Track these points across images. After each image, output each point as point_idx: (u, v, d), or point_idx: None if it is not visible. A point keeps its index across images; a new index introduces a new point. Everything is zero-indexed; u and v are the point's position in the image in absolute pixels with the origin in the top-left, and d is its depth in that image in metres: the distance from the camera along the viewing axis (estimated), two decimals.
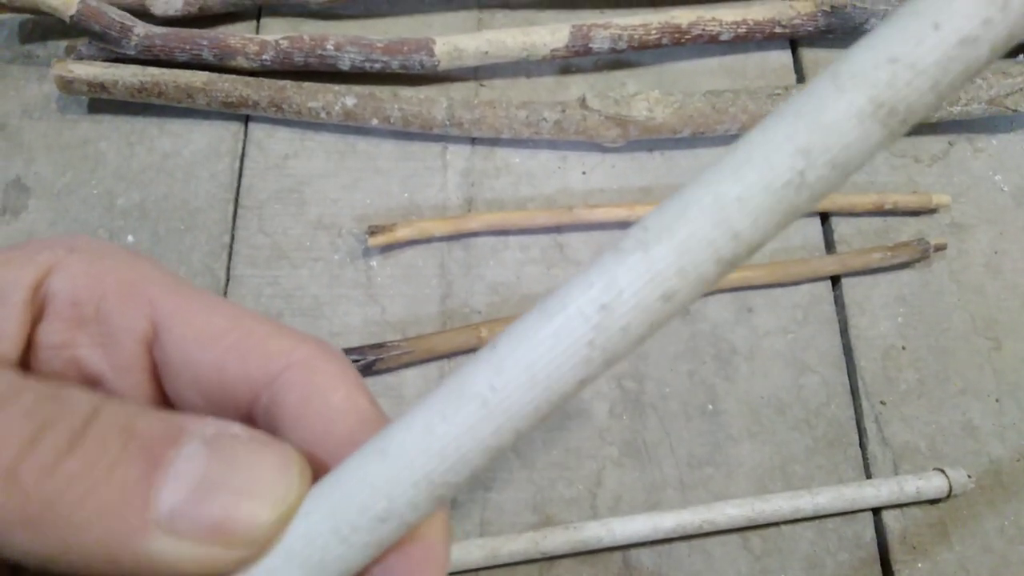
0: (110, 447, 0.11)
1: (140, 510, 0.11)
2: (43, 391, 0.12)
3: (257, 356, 0.14)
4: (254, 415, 0.15)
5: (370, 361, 0.40)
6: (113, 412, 0.12)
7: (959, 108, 0.46)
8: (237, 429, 0.12)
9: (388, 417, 0.14)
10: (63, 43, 0.48)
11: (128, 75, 0.45)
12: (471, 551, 0.37)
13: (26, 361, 0.14)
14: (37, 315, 0.14)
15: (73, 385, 0.12)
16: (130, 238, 0.44)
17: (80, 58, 0.46)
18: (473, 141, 0.47)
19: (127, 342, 0.15)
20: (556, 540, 0.37)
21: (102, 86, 0.45)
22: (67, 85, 0.45)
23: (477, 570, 0.38)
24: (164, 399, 0.15)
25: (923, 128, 0.49)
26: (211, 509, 0.11)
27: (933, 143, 0.49)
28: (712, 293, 0.44)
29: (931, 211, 0.47)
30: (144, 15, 0.48)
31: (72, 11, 0.44)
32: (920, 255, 0.44)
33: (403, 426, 0.13)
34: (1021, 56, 0.50)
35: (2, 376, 0.12)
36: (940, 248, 0.45)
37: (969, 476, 0.40)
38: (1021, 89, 0.46)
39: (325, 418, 0.14)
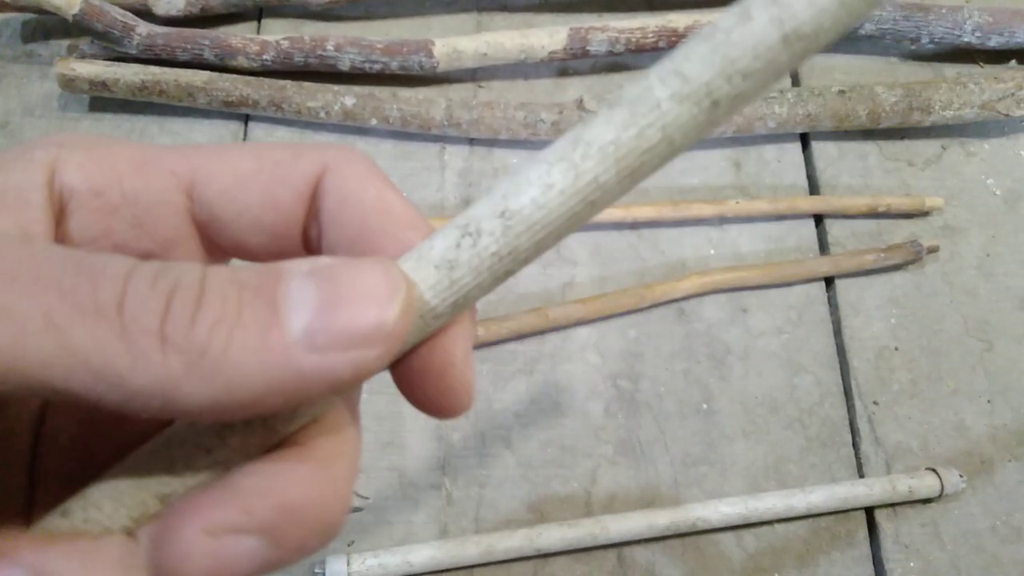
0: (229, 298, 0.12)
1: (279, 340, 0.12)
2: (157, 265, 0.12)
3: (294, 178, 0.15)
4: (309, 236, 0.16)
5: None
6: (216, 271, 0.12)
7: (952, 112, 0.47)
8: (327, 260, 0.13)
9: (415, 208, 0.16)
10: (65, 42, 0.48)
11: (130, 74, 0.45)
12: (466, 548, 0.37)
13: None
14: (60, 214, 0.14)
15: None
16: None
17: (82, 57, 0.47)
18: (471, 142, 0.48)
19: (166, 215, 0.15)
20: (551, 537, 0.38)
21: (104, 84, 0.45)
22: (69, 83, 0.45)
23: (472, 567, 0.38)
24: (215, 260, 0.16)
25: (917, 132, 0.49)
26: (340, 319, 0.12)
27: (926, 147, 0.49)
28: (707, 293, 0.44)
29: (924, 214, 0.47)
30: (146, 15, 0.48)
31: (75, 10, 0.44)
32: (913, 257, 0.45)
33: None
34: (1013, 62, 0.50)
35: (116, 258, 0.12)
36: (933, 250, 0.45)
37: (961, 476, 0.40)
38: (1013, 94, 0.46)
39: (361, 217, 0.15)
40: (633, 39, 0.48)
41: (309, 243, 0.16)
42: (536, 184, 0.14)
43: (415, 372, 0.15)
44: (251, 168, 0.15)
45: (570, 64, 0.51)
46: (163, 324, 0.11)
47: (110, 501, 0.13)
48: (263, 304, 0.12)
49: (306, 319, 0.12)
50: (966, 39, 0.49)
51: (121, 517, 0.13)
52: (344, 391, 0.13)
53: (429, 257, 0.14)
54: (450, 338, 0.15)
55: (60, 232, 0.14)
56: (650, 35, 0.48)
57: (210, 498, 0.12)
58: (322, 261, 0.13)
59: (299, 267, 0.13)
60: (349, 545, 0.38)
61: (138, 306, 0.11)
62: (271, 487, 0.13)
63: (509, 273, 0.14)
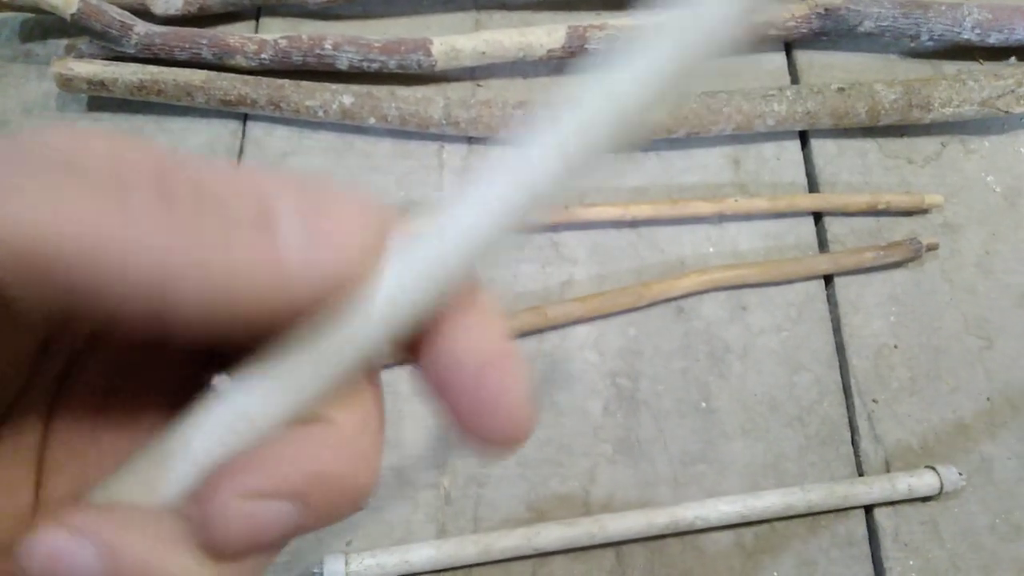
0: (233, 210, 0.12)
1: (272, 256, 0.12)
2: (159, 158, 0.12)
3: None
4: None
5: None
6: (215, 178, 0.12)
7: (951, 110, 0.46)
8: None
9: None
10: (63, 42, 0.48)
11: (128, 73, 0.45)
12: (465, 547, 0.37)
13: None
14: None
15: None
16: None
17: (80, 56, 0.47)
18: (470, 140, 0.48)
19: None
20: (549, 536, 0.37)
21: (102, 84, 0.45)
22: (67, 83, 0.45)
23: (471, 566, 0.38)
24: None
25: (916, 129, 0.49)
26: (321, 244, 0.12)
27: (926, 144, 0.49)
28: (706, 291, 0.44)
29: (924, 211, 0.47)
30: (144, 14, 0.48)
31: (73, 10, 0.44)
32: (912, 255, 0.45)
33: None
34: (1012, 59, 0.50)
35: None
36: (932, 248, 0.45)
37: (960, 474, 0.40)
38: (1012, 91, 0.46)
39: None
40: (632, 37, 0.47)
41: None
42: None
43: (448, 374, 0.14)
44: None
45: (569, 62, 0.50)
46: (168, 212, 0.11)
47: (152, 474, 0.13)
48: (253, 196, 0.12)
49: (294, 241, 0.12)
50: (966, 36, 0.49)
51: (164, 490, 0.13)
52: (329, 296, 0.13)
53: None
54: (477, 326, 0.14)
55: None
56: None
57: (245, 465, 0.13)
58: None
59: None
60: (347, 545, 0.38)
61: (139, 191, 0.11)
62: (302, 455, 0.13)
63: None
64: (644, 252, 0.46)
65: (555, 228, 0.46)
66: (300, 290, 0.12)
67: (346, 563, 0.36)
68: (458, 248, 0.14)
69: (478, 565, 0.38)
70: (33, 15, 0.48)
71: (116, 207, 0.11)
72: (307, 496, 0.13)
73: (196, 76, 0.46)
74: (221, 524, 0.12)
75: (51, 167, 0.11)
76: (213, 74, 0.46)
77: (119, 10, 0.46)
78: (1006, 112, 0.47)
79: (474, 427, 0.14)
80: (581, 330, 0.43)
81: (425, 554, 0.37)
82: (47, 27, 0.49)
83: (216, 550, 0.12)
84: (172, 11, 0.48)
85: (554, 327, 0.43)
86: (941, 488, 0.40)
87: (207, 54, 0.47)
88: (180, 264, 0.11)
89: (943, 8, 0.49)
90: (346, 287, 0.13)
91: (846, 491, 0.39)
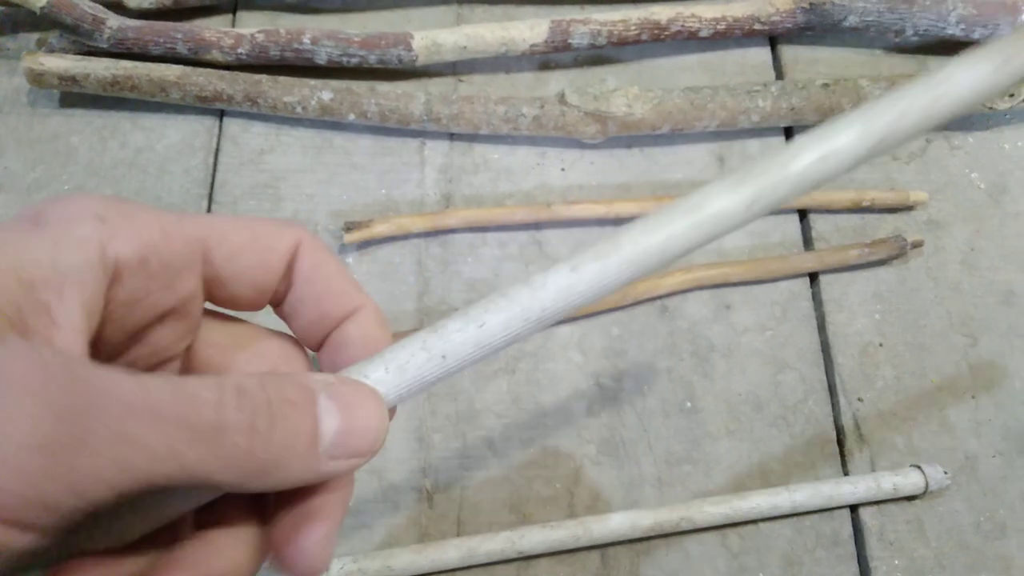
0: (289, 419, 0.16)
1: (315, 454, 0.17)
2: (235, 387, 0.16)
3: (279, 248, 0.20)
4: (278, 291, 0.20)
5: None
6: (274, 388, 0.17)
7: None
8: (333, 379, 0.18)
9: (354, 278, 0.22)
10: (34, 36, 0.47)
11: (100, 68, 0.44)
12: (447, 551, 0.37)
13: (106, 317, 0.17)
14: (111, 284, 0.17)
15: (233, 376, 0.17)
16: None
17: (51, 51, 0.46)
18: (451, 136, 0.47)
19: (189, 276, 0.19)
20: (533, 539, 0.37)
21: (74, 79, 0.44)
22: (38, 78, 0.44)
23: (454, 570, 0.37)
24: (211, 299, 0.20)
25: None
26: (350, 443, 0.17)
27: (911, 141, 0.49)
28: (691, 290, 0.44)
29: (908, 208, 0.47)
30: (118, 7, 0.47)
31: (43, 3, 0.43)
32: (897, 252, 0.44)
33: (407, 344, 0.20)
34: None
35: (205, 383, 0.16)
36: (917, 245, 0.45)
37: (945, 472, 0.40)
38: None
39: (324, 280, 0.20)
40: (615, 32, 0.47)
41: (277, 295, 0.20)
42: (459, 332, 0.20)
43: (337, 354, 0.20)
44: (247, 237, 0.19)
45: (552, 57, 0.50)
46: (250, 443, 0.16)
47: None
48: (310, 422, 0.17)
49: (330, 440, 0.17)
50: (950, 31, 0.49)
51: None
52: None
53: (394, 365, 0.19)
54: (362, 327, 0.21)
55: (110, 297, 0.17)
56: (632, 27, 0.47)
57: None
58: (330, 379, 0.18)
59: (320, 384, 0.17)
60: None
61: (232, 427, 0.15)
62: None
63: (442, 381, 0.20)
64: None
65: (538, 226, 0.45)
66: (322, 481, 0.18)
67: (328, 568, 0.35)
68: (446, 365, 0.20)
69: (461, 569, 0.37)
70: (2, 8, 0.47)
71: (213, 456, 0.15)
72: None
73: (171, 71, 0.44)
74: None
75: (155, 415, 0.15)
76: (188, 69, 0.45)
77: (91, 3, 0.45)
78: (990, 108, 0.47)
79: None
80: (564, 330, 0.43)
81: (407, 559, 0.36)
82: (17, 21, 0.48)
83: None
84: (146, 4, 0.47)
85: None
86: (926, 487, 0.39)
87: (182, 48, 0.46)
88: (254, 479, 0.16)
89: (927, 3, 0.48)
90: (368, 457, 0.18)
91: (831, 491, 0.39)
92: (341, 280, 0.21)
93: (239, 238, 0.19)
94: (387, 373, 0.19)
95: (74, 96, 0.46)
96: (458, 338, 0.19)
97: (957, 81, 0.21)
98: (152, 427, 0.14)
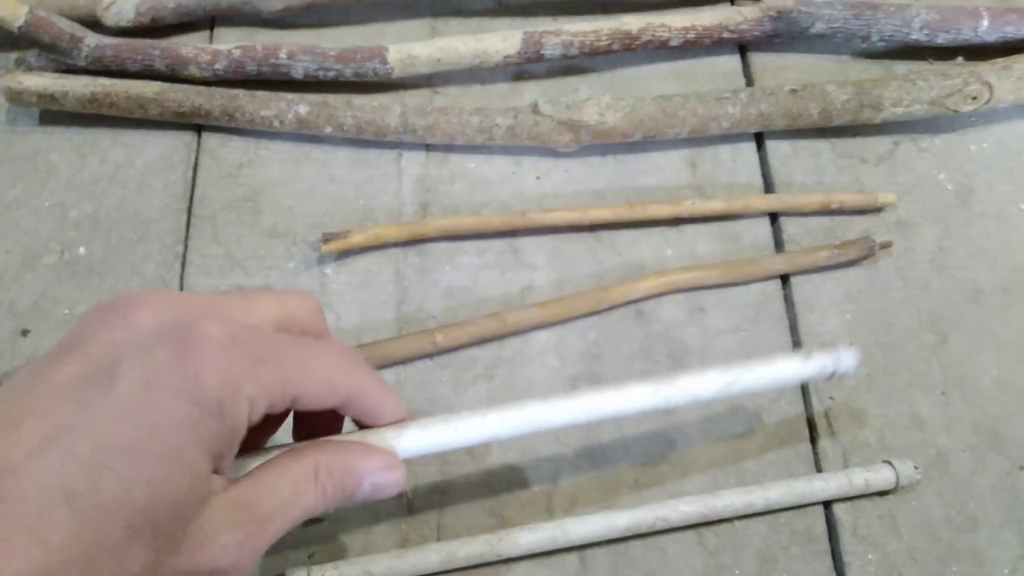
0: (347, 480, 0.27)
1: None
2: (324, 469, 0.26)
3: (339, 391, 0.27)
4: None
5: None
6: (341, 467, 0.27)
7: (902, 109, 0.47)
8: (370, 453, 0.28)
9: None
10: (12, 55, 0.48)
11: (79, 86, 0.45)
12: (427, 556, 0.37)
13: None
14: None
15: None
16: (82, 250, 0.44)
17: (30, 69, 0.46)
18: (428, 147, 0.48)
19: (282, 408, 0.26)
20: (512, 542, 0.38)
21: (52, 97, 0.45)
22: (16, 97, 0.45)
23: (435, 574, 0.38)
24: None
25: (869, 129, 0.50)
26: (383, 492, 0.28)
27: (879, 143, 0.50)
28: (665, 294, 0.45)
29: (877, 210, 0.48)
30: (95, 25, 0.47)
31: (20, 22, 0.44)
32: (866, 253, 0.45)
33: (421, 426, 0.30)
34: (960, 58, 0.51)
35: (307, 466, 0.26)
36: (886, 246, 0.46)
37: (916, 467, 0.41)
38: (960, 90, 0.47)
39: (366, 402, 0.28)
40: (587, 42, 0.48)
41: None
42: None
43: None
44: (326, 384, 0.26)
45: (526, 68, 0.51)
46: (327, 500, 0.26)
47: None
48: (357, 488, 0.27)
49: (368, 492, 0.28)
50: (915, 36, 0.50)
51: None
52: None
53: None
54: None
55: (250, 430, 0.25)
56: (604, 38, 0.48)
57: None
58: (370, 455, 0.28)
59: (381, 457, 0.28)
60: (309, 557, 0.38)
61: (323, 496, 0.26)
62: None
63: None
64: (603, 256, 0.46)
65: (515, 234, 0.46)
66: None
67: (308, 575, 0.36)
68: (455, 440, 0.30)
69: (442, 573, 0.38)
70: None
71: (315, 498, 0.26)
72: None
73: (149, 88, 0.45)
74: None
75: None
76: (166, 86, 0.45)
77: (69, 22, 0.46)
78: (955, 111, 0.48)
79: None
80: (542, 335, 0.44)
81: (387, 564, 0.37)
82: None
83: None
84: (124, 22, 0.48)
85: (515, 333, 0.43)
86: (897, 482, 0.40)
87: (160, 65, 0.46)
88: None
89: (892, 9, 0.49)
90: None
91: (804, 488, 0.40)
92: (379, 401, 0.28)
93: (319, 389, 0.26)
94: (403, 441, 0.29)
95: (53, 114, 0.47)
96: (438, 430, 0.29)
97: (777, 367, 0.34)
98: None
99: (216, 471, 0.23)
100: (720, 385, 0.34)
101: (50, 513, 0.19)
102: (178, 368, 0.22)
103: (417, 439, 0.29)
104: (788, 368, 0.34)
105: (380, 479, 0.27)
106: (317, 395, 0.26)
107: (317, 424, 0.29)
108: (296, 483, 0.25)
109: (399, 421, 0.29)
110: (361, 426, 0.29)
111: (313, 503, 0.25)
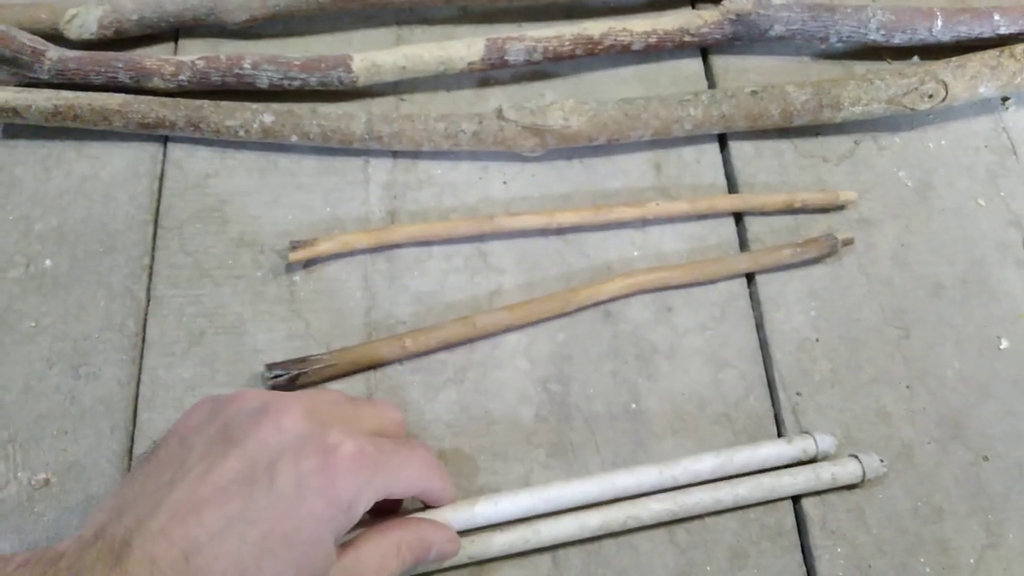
0: (424, 549, 0.34)
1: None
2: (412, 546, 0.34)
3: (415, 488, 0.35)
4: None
5: (293, 375, 0.40)
6: (414, 542, 0.34)
7: (860, 108, 0.48)
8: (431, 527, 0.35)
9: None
10: None
11: (42, 99, 0.45)
12: None
13: None
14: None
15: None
16: (48, 263, 0.44)
17: None
18: (395, 154, 0.48)
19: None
20: (485, 543, 0.38)
21: (15, 111, 0.45)
22: None
23: None
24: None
25: (830, 128, 0.51)
26: (448, 550, 0.36)
27: (839, 143, 0.51)
28: (633, 294, 0.45)
29: (839, 208, 0.48)
30: (58, 39, 0.47)
31: None
32: (829, 250, 0.46)
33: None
34: (915, 58, 0.52)
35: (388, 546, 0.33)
36: (848, 243, 0.47)
37: (881, 460, 0.41)
38: (916, 89, 0.48)
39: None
40: (550, 48, 0.48)
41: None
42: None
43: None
44: (414, 484, 0.34)
45: (492, 74, 0.51)
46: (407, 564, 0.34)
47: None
48: (427, 552, 0.34)
49: (434, 556, 0.35)
50: (872, 37, 0.51)
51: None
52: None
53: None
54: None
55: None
56: (567, 43, 0.48)
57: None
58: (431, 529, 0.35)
59: (440, 537, 0.35)
60: None
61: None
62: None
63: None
64: (571, 258, 0.46)
65: (483, 238, 0.46)
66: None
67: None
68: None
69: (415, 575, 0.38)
70: None
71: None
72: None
73: (113, 100, 0.45)
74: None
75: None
76: (130, 97, 0.45)
77: (30, 35, 0.45)
78: (912, 109, 0.49)
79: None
80: (511, 338, 0.44)
81: None
82: None
83: None
84: (87, 35, 0.48)
85: (484, 336, 0.43)
86: (864, 475, 0.41)
87: (124, 77, 0.46)
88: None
89: (849, 11, 0.50)
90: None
91: (772, 483, 0.40)
92: (443, 491, 0.36)
93: (408, 488, 0.34)
94: (458, 516, 0.37)
95: (17, 127, 0.46)
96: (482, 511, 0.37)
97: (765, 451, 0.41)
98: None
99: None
100: (714, 465, 0.40)
101: None
102: (322, 476, 0.29)
103: (467, 517, 0.37)
104: (774, 451, 0.41)
105: (443, 549, 0.35)
106: (406, 491, 0.34)
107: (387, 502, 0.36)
108: (384, 556, 0.32)
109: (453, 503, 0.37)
110: (426, 506, 0.37)
111: (396, 569, 0.33)
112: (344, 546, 0.32)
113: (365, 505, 0.31)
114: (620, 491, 0.39)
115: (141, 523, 0.26)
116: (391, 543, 0.33)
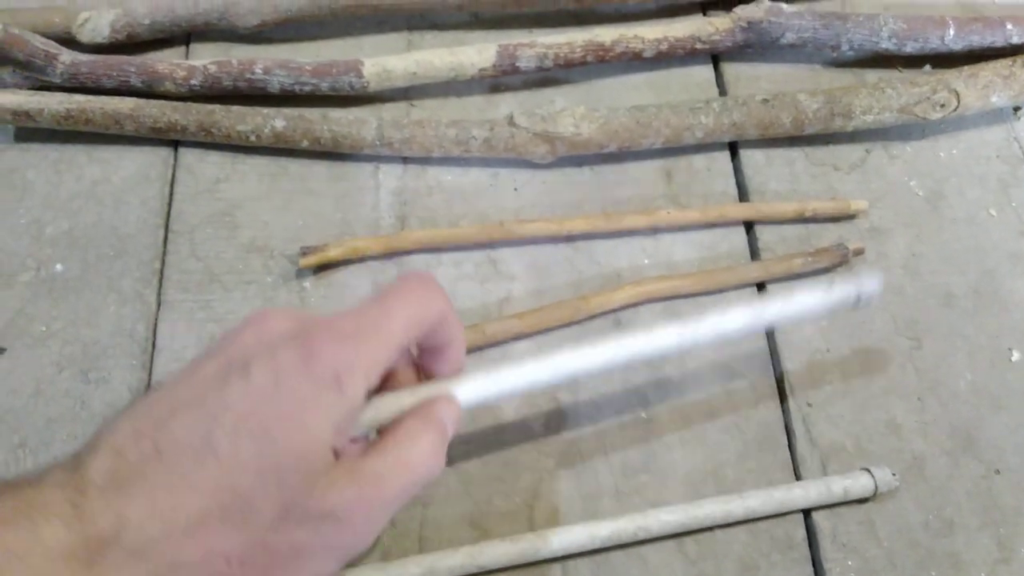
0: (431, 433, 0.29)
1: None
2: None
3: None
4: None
5: None
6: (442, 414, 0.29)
7: (872, 117, 0.48)
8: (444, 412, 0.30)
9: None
10: None
11: (54, 103, 0.45)
12: (408, 568, 0.37)
13: None
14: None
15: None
16: (59, 267, 0.44)
17: (4, 87, 0.46)
18: (405, 160, 0.48)
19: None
20: (493, 553, 0.38)
21: (28, 115, 0.45)
22: None
23: None
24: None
25: (841, 137, 0.51)
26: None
27: (851, 151, 0.51)
28: (643, 303, 0.45)
29: (850, 217, 0.48)
30: (70, 42, 0.47)
31: None
32: (839, 260, 0.46)
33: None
34: (927, 67, 0.52)
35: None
36: (859, 252, 0.46)
37: (894, 474, 0.41)
38: (928, 98, 0.48)
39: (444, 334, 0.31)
40: (561, 54, 0.48)
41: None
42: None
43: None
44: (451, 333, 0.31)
45: (502, 80, 0.51)
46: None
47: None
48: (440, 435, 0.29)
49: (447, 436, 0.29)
50: (883, 45, 0.51)
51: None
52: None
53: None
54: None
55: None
56: (578, 50, 0.48)
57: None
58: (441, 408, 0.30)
59: (444, 415, 0.29)
60: None
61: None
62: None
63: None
64: (581, 266, 0.46)
65: (493, 245, 0.46)
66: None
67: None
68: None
69: None
70: None
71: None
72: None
73: (124, 104, 0.45)
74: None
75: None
76: (142, 101, 0.45)
77: (43, 39, 0.45)
78: (924, 118, 0.48)
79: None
80: (521, 346, 0.44)
81: None
82: None
83: None
84: (99, 39, 0.48)
85: (494, 344, 0.43)
86: (876, 489, 0.41)
87: (136, 81, 0.46)
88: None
89: (861, 19, 0.50)
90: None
91: (783, 496, 0.40)
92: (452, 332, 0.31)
93: (401, 338, 0.28)
94: (463, 391, 0.30)
95: (29, 131, 0.47)
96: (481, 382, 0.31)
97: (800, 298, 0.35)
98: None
99: (340, 441, 0.27)
100: (745, 320, 0.34)
101: (201, 466, 0.24)
102: (298, 358, 0.26)
103: (474, 389, 0.31)
104: (812, 299, 0.35)
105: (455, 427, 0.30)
106: (407, 337, 0.29)
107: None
108: (405, 446, 0.28)
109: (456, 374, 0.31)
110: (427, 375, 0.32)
111: (437, 465, 0.29)
112: (374, 442, 0.28)
113: (363, 380, 0.27)
114: (633, 353, 0.33)
115: (112, 425, 0.25)
116: (413, 441, 0.28)
